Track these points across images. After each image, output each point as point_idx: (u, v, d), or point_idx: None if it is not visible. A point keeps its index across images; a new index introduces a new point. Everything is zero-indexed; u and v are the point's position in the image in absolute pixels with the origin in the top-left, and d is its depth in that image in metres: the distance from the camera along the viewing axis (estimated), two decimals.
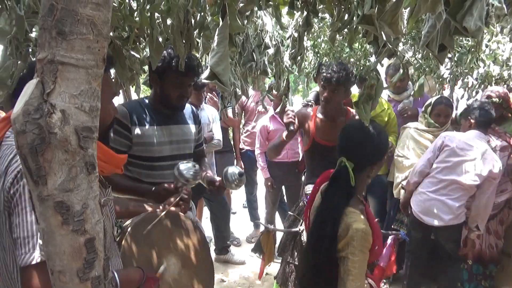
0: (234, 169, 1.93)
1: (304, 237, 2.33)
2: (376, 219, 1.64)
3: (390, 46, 1.65)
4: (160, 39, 1.61)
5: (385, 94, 3.59)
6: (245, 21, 1.73)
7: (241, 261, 3.82)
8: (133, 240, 1.40)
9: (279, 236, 2.67)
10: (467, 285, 3.01)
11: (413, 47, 2.94)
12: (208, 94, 4.09)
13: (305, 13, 1.78)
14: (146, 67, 2.08)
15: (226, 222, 3.83)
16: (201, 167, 1.98)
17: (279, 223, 4.09)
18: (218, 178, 2.01)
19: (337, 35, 2.85)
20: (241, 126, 4.49)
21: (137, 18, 1.63)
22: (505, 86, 3.47)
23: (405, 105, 3.50)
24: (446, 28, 1.32)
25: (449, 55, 3.04)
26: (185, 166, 1.74)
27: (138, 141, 1.86)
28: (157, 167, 1.91)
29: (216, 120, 3.72)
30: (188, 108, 2.12)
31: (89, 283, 0.66)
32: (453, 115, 3.22)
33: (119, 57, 1.78)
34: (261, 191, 4.38)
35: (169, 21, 1.56)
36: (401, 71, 2.42)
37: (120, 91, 2.12)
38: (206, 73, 1.35)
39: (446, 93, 3.58)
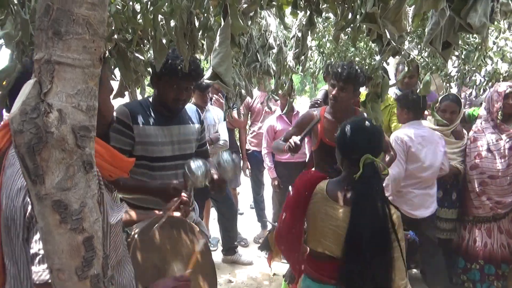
0: (224, 154, 1.84)
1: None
2: None
3: (394, 44, 1.65)
4: (164, 41, 1.62)
5: (392, 92, 3.55)
6: (249, 22, 1.73)
7: (248, 262, 3.80)
8: (141, 246, 1.40)
9: None
10: (479, 285, 2.96)
11: (419, 45, 2.91)
12: (214, 95, 4.09)
13: (308, 12, 1.77)
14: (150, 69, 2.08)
15: (234, 223, 3.82)
16: None
17: None
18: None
19: (342, 34, 2.84)
20: (247, 127, 4.49)
21: (141, 20, 1.64)
22: None
23: None
24: (451, 25, 1.30)
25: (456, 53, 3.00)
26: (196, 165, 1.69)
27: (139, 141, 1.85)
28: (157, 167, 1.90)
29: (222, 121, 3.72)
30: (191, 107, 2.11)
31: (88, 281, 0.66)
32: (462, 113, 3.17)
33: (124, 59, 1.79)
34: (268, 192, 4.37)
35: (172, 23, 1.57)
36: (406, 68, 2.40)
37: (126, 93, 2.13)
38: (208, 73, 1.36)
39: (454, 91, 3.53)
